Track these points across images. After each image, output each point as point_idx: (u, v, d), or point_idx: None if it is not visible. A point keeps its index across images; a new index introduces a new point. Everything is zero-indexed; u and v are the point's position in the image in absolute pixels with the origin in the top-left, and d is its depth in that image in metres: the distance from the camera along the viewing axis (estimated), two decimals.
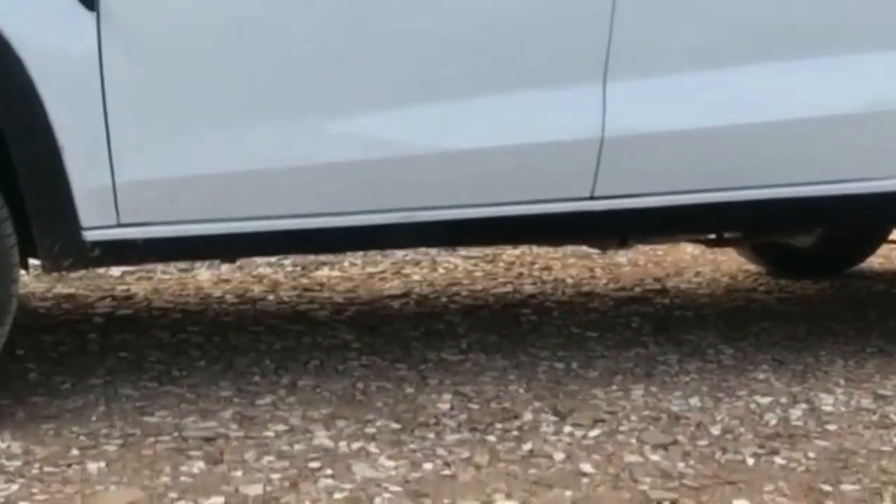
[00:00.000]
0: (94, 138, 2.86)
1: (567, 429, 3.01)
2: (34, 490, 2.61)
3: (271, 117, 2.98)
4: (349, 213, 3.08)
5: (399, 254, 4.93)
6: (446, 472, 2.75)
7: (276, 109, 2.98)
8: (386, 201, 3.09)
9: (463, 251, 4.97)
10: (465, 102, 3.07)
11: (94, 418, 3.01)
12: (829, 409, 3.18)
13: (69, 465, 2.73)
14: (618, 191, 3.19)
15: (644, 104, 3.16)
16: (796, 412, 3.14)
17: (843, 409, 3.18)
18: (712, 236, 3.77)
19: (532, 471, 2.76)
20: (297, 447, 2.85)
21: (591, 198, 3.18)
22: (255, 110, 2.97)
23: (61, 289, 4.29)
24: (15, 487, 2.61)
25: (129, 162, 2.88)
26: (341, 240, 3.17)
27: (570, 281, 4.53)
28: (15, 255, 2.87)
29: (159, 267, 4.62)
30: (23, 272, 3.14)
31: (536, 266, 4.76)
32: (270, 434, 2.93)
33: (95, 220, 2.91)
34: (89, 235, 2.92)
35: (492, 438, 2.94)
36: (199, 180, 2.94)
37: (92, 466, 2.72)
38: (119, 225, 2.93)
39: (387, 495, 2.61)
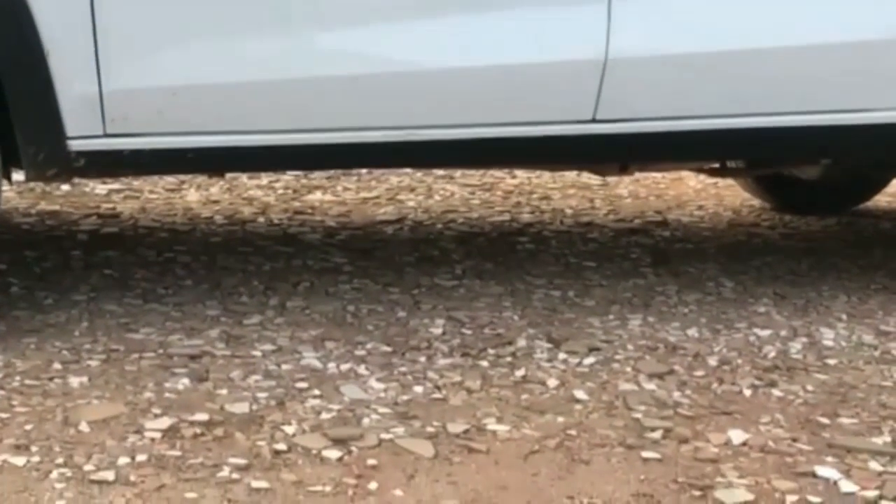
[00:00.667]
0: (82, 44, 2.82)
1: (561, 356, 3.00)
2: (14, 402, 2.60)
3: (261, 29, 2.94)
4: (341, 129, 3.05)
5: (394, 180, 4.90)
6: (437, 395, 2.75)
7: (265, 21, 2.93)
8: (381, 119, 3.06)
9: (460, 179, 4.95)
10: (464, 17, 3.03)
11: (76, 333, 3.00)
12: (829, 343, 3.17)
13: (51, 379, 2.72)
14: (620, 115, 3.16)
15: (650, 25, 3.12)
16: (796, 346, 3.14)
17: (843, 343, 3.17)
18: (716, 165, 3.75)
19: (524, 396, 2.76)
20: (284, 367, 2.85)
21: (593, 121, 3.15)
22: (244, 21, 2.93)
23: (45, 206, 4.27)
24: None
25: (118, 69, 2.84)
26: (332, 157, 3.15)
27: (569, 211, 4.51)
28: None
29: (146, 186, 4.59)
30: (6, 184, 3.12)
31: (535, 196, 4.74)
32: (257, 353, 2.92)
33: (81, 129, 2.88)
34: (74, 145, 2.89)
35: (484, 364, 2.93)
36: (188, 91, 2.91)
37: (74, 381, 2.72)
38: (105, 135, 2.90)
39: (375, 416, 2.61)
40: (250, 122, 2.98)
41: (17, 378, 2.72)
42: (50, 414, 2.55)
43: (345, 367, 2.87)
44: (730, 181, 4.86)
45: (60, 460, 2.36)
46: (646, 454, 2.50)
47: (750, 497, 2.34)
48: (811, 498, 2.35)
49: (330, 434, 2.51)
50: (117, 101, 2.87)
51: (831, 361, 3.04)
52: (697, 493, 2.35)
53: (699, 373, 2.94)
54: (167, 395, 2.66)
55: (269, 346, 2.97)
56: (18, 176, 4.21)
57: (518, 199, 4.67)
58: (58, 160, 2.89)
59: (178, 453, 2.40)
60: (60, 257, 3.64)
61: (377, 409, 2.65)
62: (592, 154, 3.26)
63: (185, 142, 2.95)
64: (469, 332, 3.14)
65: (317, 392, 2.72)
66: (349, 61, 3.00)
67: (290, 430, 2.52)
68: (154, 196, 4.48)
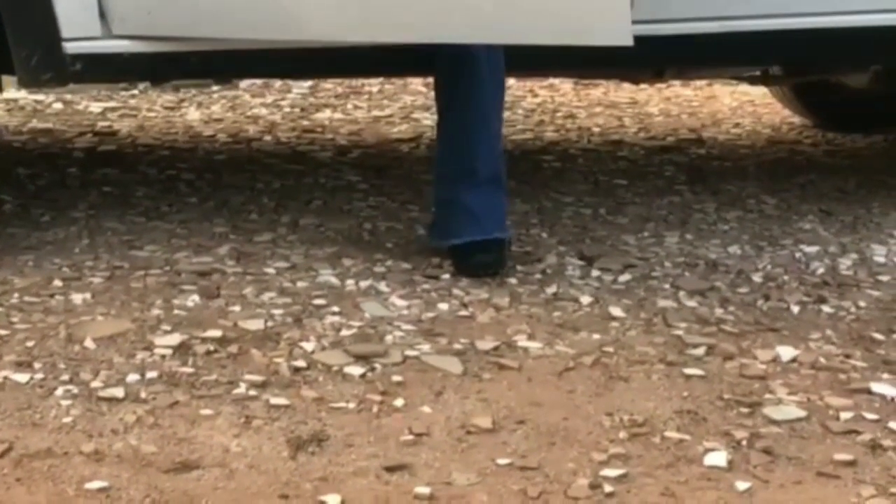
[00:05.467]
0: None
1: (595, 273, 2.99)
2: (14, 319, 2.60)
3: None
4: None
5: (407, 98, 4.88)
6: (463, 312, 2.74)
7: None
8: (387, 26, 3.00)
9: None
10: None
11: (77, 250, 2.99)
12: (881, 259, 3.16)
13: (51, 296, 2.72)
14: (655, 15, 3.12)
15: None
16: (846, 262, 3.13)
17: None
18: (756, 73, 3.72)
19: (556, 314, 2.75)
20: (299, 284, 2.84)
21: None
22: None
23: (37, 123, 4.25)
24: None
25: None
26: (332, 64, 3.11)
27: (596, 129, 4.49)
28: None
29: (143, 104, 4.57)
30: None
31: (559, 114, 4.71)
32: (271, 271, 2.92)
33: (77, 30, 2.86)
34: (70, 48, 2.86)
35: (512, 281, 2.92)
36: None
37: (76, 297, 2.71)
38: (103, 37, 2.88)
39: (398, 333, 2.61)
40: (240, 27, 2.93)
41: (16, 295, 2.72)
42: (52, 331, 2.55)
43: (364, 284, 2.86)
44: (768, 99, 4.83)
45: (65, 377, 2.36)
46: (688, 371, 2.49)
47: (801, 414, 2.34)
48: (867, 415, 2.35)
49: (351, 351, 2.51)
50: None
51: (884, 278, 3.03)
52: (745, 409, 2.35)
53: (743, 289, 2.93)
54: (176, 311, 2.66)
55: (282, 264, 2.96)
56: (11, 94, 4.23)
57: (541, 118, 4.65)
58: (52, 64, 2.87)
59: (190, 370, 2.40)
60: (56, 175, 3.63)
61: (400, 326, 2.64)
62: (625, 58, 3.21)
63: (185, 45, 2.92)
64: None
65: (335, 309, 2.71)
66: None
67: (308, 346, 2.52)
68: (152, 114, 4.46)
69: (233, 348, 2.50)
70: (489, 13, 2.73)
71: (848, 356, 2.59)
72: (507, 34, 2.78)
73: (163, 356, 2.46)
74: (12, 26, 2.82)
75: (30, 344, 2.49)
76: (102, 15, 2.87)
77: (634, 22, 3.10)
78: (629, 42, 2.64)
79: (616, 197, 3.62)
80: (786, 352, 2.59)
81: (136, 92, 4.67)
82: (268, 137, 4.21)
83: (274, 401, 2.31)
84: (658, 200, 3.60)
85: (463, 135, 2.97)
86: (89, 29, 2.88)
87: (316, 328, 2.62)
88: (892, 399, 2.41)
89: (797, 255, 3.18)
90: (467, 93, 2.95)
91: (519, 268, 3.00)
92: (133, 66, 2.95)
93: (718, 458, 2.17)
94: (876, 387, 2.45)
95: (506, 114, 4.66)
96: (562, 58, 3.17)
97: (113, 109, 4.46)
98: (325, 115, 4.56)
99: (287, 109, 4.60)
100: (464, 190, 2.95)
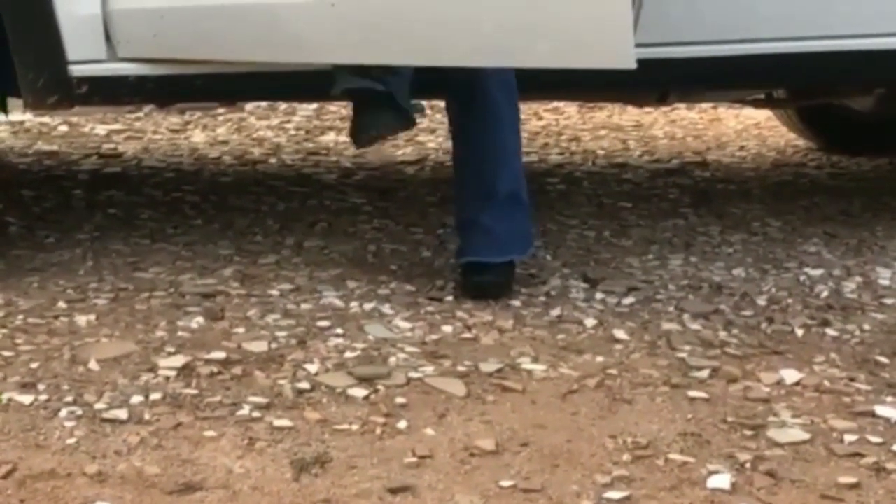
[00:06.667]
0: None
1: (599, 296, 3.00)
2: (18, 341, 2.61)
3: None
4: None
5: None
6: (467, 334, 2.75)
7: None
8: (388, 49, 3.02)
9: None
10: None
11: (81, 272, 3.01)
12: (885, 283, 3.16)
13: (56, 318, 2.73)
14: (659, 38, 3.14)
15: None
16: (850, 285, 3.13)
17: None
18: (760, 96, 3.73)
19: (560, 336, 2.76)
20: (304, 306, 2.85)
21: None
22: None
23: (43, 145, 4.27)
24: None
25: None
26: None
27: (600, 152, 4.51)
28: None
29: (149, 127, 4.60)
30: (2, 117, 3.13)
31: (564, 137, 4.73)
32: (275, 293, 2.93)
33: (83, 53, 2.88)
34: (76, 70, 2.89)
35: (516, 303, 2.93)
36: (172, 13, 2.88)
37: (81, 319, 2.73)
38: (109, 59, 2.90)
39: (402, 355, 2.61)
40: (247, 48, 2.95)
41: (20, 317, 2.73)
42: (57, 352, 2.56)
43: (368, 306, 2.87)
44: (773, 121, 4.85)
45: (69, 398, 2.37)
46: (692, 393, 2.50)
47: (805, 436, 2.34)
48: (871, 438, 2.35)
49: (355, 373, 2.51)
50: (120, 22, 2.87)
51: (888, 301, 3.04)
52: (749, 432, 2.35)
53: (747, 312, 2.94)
54: (180, 333, 2.67)
55: (286, 286, 2.97)
56: (17, 116, 4.25)
57: (545, 141, 4.66)
58: (58, 86, 2.89)
59: (194, 392, 2.41)
60: (61, 197, 3.65)
61: (404, 349, 2.65)
62: (629, 82, 3.23)
63: (196, 69, 2.95)
64: None
65: (339, 331, 2.72)
66: None
67: (312, 368, 2.53)
68: (157, 137, 4.48)
69: (237, 370, 2.51)
70: (490, 35, 2.75)
71: (852, 379, 2.59)
72: (509, 56, 2.80)
73: (167, 378, 2.47)
74: (18, 49, 2.85)
75: (34, 365, 2.50)
76: (108, 38, 2.90)
77: (638, 45, 3.14)
78: (632, 65, 2.65)
79: (620, 219, 3.63)
80: (790, 375, 2.60)
81: (141, 114, 4.70)
82: (273, 160, 4.23)
83: (277, 422, 2.31)
84: (662, 223, 3.61)
85: (480, 157, 2.98)
86: (95, 52, 2.90)
87: (320, 350, 2.62)
88: None
89: (801, 277, 3.19)
90: (481, 115, 2.96)
91: (523, 290, 3.01)
92: (139, 88, 2.97)
93: (722, 480, 2.18)
94: (880, 410, 2.45)
95: None
96: (566, 82, 3.22)
97: (118, 132, 4.49)
98: (329, 137, 4.58)
99: (292, 132, 4.62)
100: (484, 210, 2.97)
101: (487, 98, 2.95)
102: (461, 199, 3.04)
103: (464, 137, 3.02)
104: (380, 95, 2.88)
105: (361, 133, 2.94)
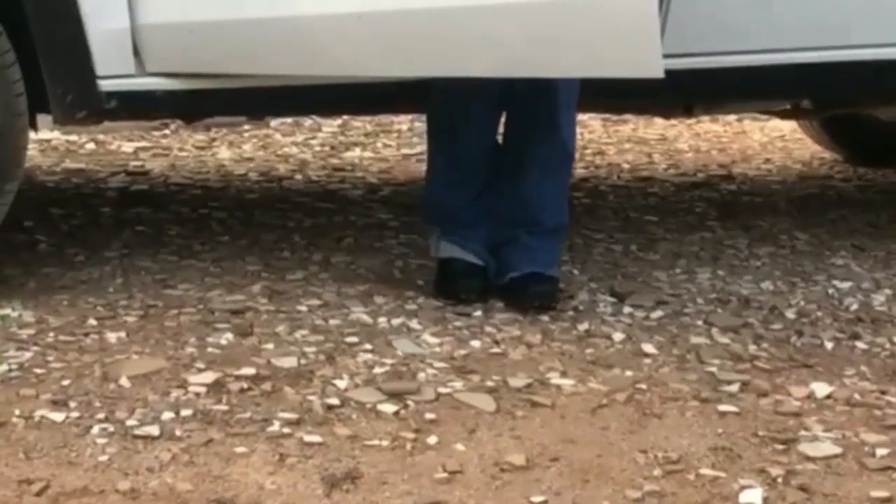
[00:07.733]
0: None
1: (626, 310, 3.00)
2: (49, 358, 2.62)
3: None
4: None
5: None
6: (495, 349, 2.75)
7: None
8: (416, 62, 3.02)
9: None
10: None
11: (111, 290, 3.02)
12: None
13: (86, 335, 2.75)
14: (685, 49, 3.14)
15: None
16: (879, 297, 3.13)
17: None
18: (786, 107, 3.73)
19: (589, 350, 2.76)
20: (332, 322, 2.86)
21: None
22: None
23: (70, 163, 4.30)
24: (29, 355, 2.63)
25: (147, 2, 2.85)
26: (372, 101, 3.14)
27: (625, 166, 4.50)
28: (23, 104, 2.86)
29: (175, 144, 4.62)
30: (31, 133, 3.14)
31: (588, 151, 4.73)
32: (303, 308, 2.94)
33: (112, 68, 2.90)
34: (105, 85, 2.90)
35: (544, 318, 2.93)
36: (203, 27, 2.90)
37: (111, 336, 2.74)
38: (138, 74, 2.92)
39: (431, 371, 2.62)
40: (275, 62, 2.96)
41: (51, 334, 2.75)
42: (88, 369, 2.57)
43: (396, 321, 2.88)
44: (798, 134, 4.84)
45: (101, 415, 2.38)
46: (722, 408, 2.50)
47: (837, 450, 2.34)
48: None
49: (384, 388, 2.52)
50: (149, 36, 2.88)
51: None
52: (780, 446, 2.35)
53: (776, 326, 2.93)
54: (210, 349, 2.68)
55: (314, 301, 2.98)
56: (44, 134, 4.27)
57: None
58: (87, 101, 2.91)
59: (224, 408, 2.42)
60: (89, 214, 3.66)
61: (433, 364, 2.66)
62: (655, 94, 3.23)
63: (222, 83, 2.96)
64: None
65: (368, 346, 2.73)
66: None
67: (341, 384, 2.53)
68: (184, 154, 4.50)
69: (266, 386, 2.52)
70: (518, 46, 2.76)
71: (883, 392, 2.59)
72: (537, 67, 2.80)
73: (197, 394, 2.48)
74: (48, 64, 2.86)
75: (65, 383, 2.51)
76: (137, 52, 2.91)
77: (665, 56, 3.14)
78: (660, 74, 2.66)
79: (647, 233, 3.63)
80: (820, 388, 2.59)
81: (167, 131, 4.72)
82: (299, 176, 4.24)
83: (308, 438, 2.32)
84: (689, 236, 3.61)
85: (530, 187, 3.02)
86: (124, 66, 2.92)
87: (349, 365, 2.63)
88: None
89: (830, 290, 3.18)
90: (540, 145, 2.99)
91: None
92: (167, 103, 2.99)
93: (754, 495, 2.17)
94: None
95: None
96: (591, 94, 3.22)
97: (145, 149, 4.51)
98: (354, 153, 4.59)
99: (317, 148, 4.64)
100: (525, 233, 3.00)
101: (553, 131, 2.99)
102: (501, 223, 3.05)
103: (512, 160, 3.03)
104: (475, 267, 3.02)
105: (451, 296, 3.00)
